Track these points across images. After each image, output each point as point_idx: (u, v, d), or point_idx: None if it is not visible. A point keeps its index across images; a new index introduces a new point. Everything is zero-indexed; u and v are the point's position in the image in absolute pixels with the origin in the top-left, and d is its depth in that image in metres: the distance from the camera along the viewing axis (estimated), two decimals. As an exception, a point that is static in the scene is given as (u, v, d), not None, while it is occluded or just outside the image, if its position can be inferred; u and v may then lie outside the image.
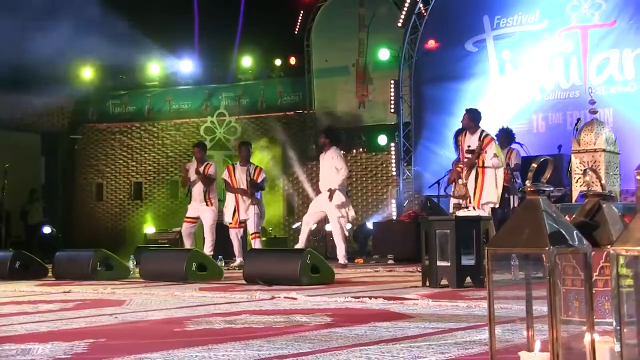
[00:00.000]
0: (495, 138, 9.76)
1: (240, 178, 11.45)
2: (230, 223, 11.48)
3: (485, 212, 9.07)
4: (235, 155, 17.64)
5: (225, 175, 11.68)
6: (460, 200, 9.48)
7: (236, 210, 11.41)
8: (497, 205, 9.59)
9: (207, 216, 11.75)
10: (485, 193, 9.49)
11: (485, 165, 9.49)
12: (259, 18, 17.68)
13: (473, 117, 9.74)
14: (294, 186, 17.65)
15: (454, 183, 9.76)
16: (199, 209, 11.79)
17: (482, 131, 9.64)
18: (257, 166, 11.81)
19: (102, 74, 19.65)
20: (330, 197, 10.75)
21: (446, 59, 15.05)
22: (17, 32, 17.52)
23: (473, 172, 9.55)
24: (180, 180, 11.84)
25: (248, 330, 4.17)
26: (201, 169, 11.75)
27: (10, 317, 5.15)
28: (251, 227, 11.39)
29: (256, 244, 11.30)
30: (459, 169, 9.83)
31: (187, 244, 11.61)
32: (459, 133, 10.11)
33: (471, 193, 9.50)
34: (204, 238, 11.84)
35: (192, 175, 11.81)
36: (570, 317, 2.92)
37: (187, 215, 11.92)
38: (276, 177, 17.62)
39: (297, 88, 18.30)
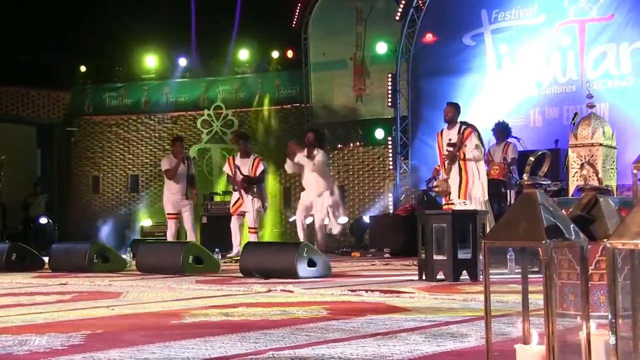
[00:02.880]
0: (477, 130, 9.70)
1: (243, 171, 11.43)
2: (232, 208, 11.48)
3: (474, 204, 9.08)
4: (232, 148, 17.67)
5: (226, 167, 11.70)
6: (452, 199, 9.49)
7: (240, 199, 11.42)
8: (485, 198, 9.57)
9: (189, 211, 11.82)
10: (470, 187, 9.48)
11: (466, 157, 9.48)
12: (256, 11, 17.65)
13: (455, 109, 9.73)
14: (290, 180, 17.64)
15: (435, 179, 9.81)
16: (180, 203, 11.78)
17: (462, 124, 9.62)
18: (256, 157, 11.73)
19: (99, 66, 19.60)
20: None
21: (444, 53, 15.04)
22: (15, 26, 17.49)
23: (456, 167, 9.54)
24: (169, 172, 11.74)
25: (245, 323, 4.17)
26: (185, 164, 11.79)
27: (7, 308, 5.15)
28: (250, 222, 11.40)
29: (252, 239, 11.30)
30: (437, 167, 9.89)
31: (172, 239, 11.62)
32: (439, 133, 10.01)
33: (455, 187, 9.51)
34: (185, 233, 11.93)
35: (180, 169, 11.81)
36: (566, 311, 2.94)
37: (170, 211, 11.85)
38: (273, 170, 17.61)
39: (294, 81, 18.28)
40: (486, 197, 9.58)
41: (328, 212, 11.06)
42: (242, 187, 11.32)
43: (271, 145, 17.64)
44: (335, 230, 11.51)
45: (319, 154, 10.98)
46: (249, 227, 11.42)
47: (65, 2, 18.31)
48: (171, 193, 11.79)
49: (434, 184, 9.93)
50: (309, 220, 11.47)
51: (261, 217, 12.24)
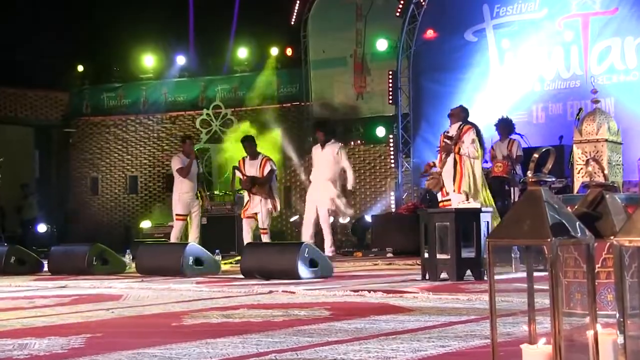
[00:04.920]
0: (478, 128, 9.72)
1: (251, 172, 11.46)
2: (242, 211, 11.57)
3: (464, 197, 9.09)
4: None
5: (236, 171, 11.74)
6: (447, 195, 9.52)
7: (249, 201, 11.44)
8: (471, 199, 9.57)
9: (197, 211, 11.82)
10: (464, 181, 9.51)
11: (461, 152, 9.52)
12: (254, 8, 17.64)
13: (463, 112, 9.81)
14: (291, 179, 17.64)
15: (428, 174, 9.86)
16: (191, 203, 11.77)
17: (464, 121, 9.67)
18: (264, 157, 11.71)
19: (97, 66, 19.59)
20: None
21: (445, 49, 15.02)
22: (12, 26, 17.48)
23: (451, 160, 9.58)
24: (183, 171, 11.71)
25: (246, 325, 4.17)
26: (195, 164, 11.80)
27: (6, 312, 5.15)
28: (260, 222, 11.41)
29: (264, 240, 11.31)
30: (431, 163, 9.93)
31: (176, 240, 11.60)
32: (443, 134, 10.08)
33: (450, 179, 9.55)
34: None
35: (193, 168, 11.81)
36: (573, 310, 2.92)
37: (180, 212, 11.78)
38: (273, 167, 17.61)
39: (294, 79, 18.27)
40: (475, 200, 9.58)
41: (335, 203, 11.11)
42: (247, 188, 11.36)
43: (271, 144, 17.63)
44: (344, 218, 11.57)
45: (334, 145, 11.18)
46: (260, 228, 11.42)
47: (62, 1, 18.30)
48: (183, 192, 11.75)
49: (427, 179, 9.99)
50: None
51: (272, 218, 12.20)
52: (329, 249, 11.05)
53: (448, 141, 9.59)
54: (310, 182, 11.63)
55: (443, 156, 9.66)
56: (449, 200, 9.41)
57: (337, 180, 11.35)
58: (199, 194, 11.91)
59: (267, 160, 11.58)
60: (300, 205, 17.48)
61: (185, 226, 11.95)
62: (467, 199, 9.10)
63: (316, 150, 11.48)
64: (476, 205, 8.81)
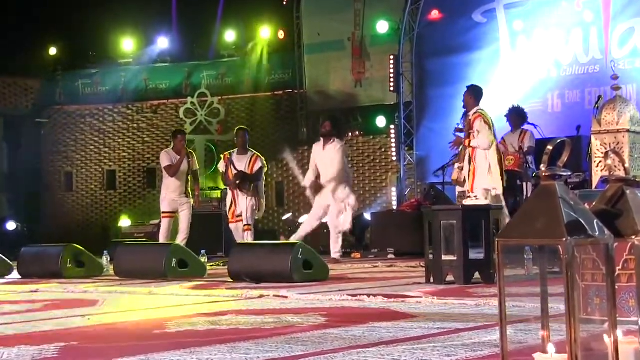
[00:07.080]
0: (485, 114, 9.71)
1: (239, 168, 11.49)
2: (229, 215, 11.65)
3: (482, 197, 9.10)
4: (219, 139, 17.67)
5: (221, 165, 11.79)
6: (465, 188, 9.58)
7: (233, 202, 11.50)
8: (499, 192, 9.55)
9: (187, 209, 11.84)
10: (479, 177, 9.50)
11: (472, 144, 9.51)
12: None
13: (473, 94, 9.73)
14: (283, 174, 17.65)
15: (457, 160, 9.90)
16: (178, 201, 11.80)
17: (476, 109, 9.64)
18: (254, 154, 11.77)
19: (71, 50, 19.56)
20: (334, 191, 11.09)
21: (451, 32, 15.03)
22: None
23: (466, 155, 9.61)
24: (171, 169, 11.72)
25: (234, 332, 4.18)
26: (185, 160, 11.78)
27: (-29, 319, 5.15)
28: (244, 219, 11.47)
29: (247, 236, 11.37)
30: (459, 137, 9.90)
31: (164, 241, 11.62)
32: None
33: (466, 176, 9.58)
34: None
35: (182, 166, 11.82)
36: (591, 316, 2.93)
37: (165, 210, 11.85)
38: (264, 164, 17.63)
39: (286, 65, 18.27)
40: (498, 190, 9.56)
41: (345, 207, 11.23)
42: (235, 184, 11.37)
43: (261, 136, 17.65)
44: (347, 227, 11.62)
45: (335, 144, 11.16)
46: (244, 225, 11.48)
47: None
48: (169, 192, 11.79)
49: (453, 171, 10.06)
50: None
51: (262, 217, 12.29)
52: (335, 253, 11.19)
53: (459, 134, 9.63)
54: (314, 183, 11.58)
55: (460, 149, 9.69)
56: (469, 196, 9.40)
57: (349, 181, 11.52)
58: (189, 192, 11.91)
59: (257, 157, 11.68)
60: (293, 202, 17.52)
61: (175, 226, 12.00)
62: (484, 197, 9.13)
63: (317, 148, 11.44)
64: (482, 201, 8.84)
